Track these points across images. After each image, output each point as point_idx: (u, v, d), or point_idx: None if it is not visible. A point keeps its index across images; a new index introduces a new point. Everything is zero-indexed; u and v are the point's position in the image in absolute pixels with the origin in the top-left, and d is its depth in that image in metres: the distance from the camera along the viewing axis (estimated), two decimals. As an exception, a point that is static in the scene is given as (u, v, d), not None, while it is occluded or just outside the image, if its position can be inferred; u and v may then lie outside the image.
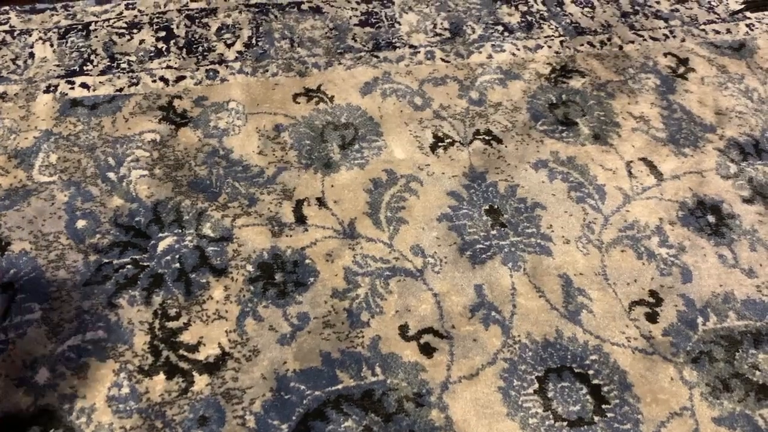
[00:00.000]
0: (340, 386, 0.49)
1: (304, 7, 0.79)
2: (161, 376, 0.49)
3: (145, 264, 0.55)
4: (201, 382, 0.49)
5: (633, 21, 0.83)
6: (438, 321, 0.54)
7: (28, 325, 0.51)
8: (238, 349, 0.51)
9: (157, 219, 0.58)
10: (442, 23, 0.79)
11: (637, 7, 0.84)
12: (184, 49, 0.73)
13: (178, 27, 0.76)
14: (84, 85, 0.69)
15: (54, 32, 0.74)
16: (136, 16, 0.76)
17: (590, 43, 0.79)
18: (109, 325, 0.52)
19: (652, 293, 0.57)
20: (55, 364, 0.49)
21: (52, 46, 0.73)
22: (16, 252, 0.56)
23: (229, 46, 0.74)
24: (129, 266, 0.55)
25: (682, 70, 0.77)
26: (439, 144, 0.66)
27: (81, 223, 0.58)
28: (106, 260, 0.55)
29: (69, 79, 0.69)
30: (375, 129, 0.67)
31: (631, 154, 0.67)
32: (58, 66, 0.71)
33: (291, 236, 0.58)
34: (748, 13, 0.85)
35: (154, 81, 0.70)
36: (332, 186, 0.61)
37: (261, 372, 0.50)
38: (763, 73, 0.77)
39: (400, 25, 0.79)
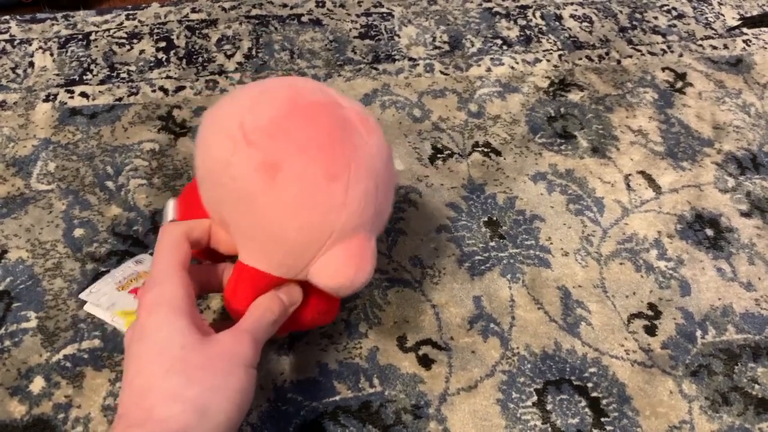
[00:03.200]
0: (337, 397, 0.49)
1: (305, 19, 0.80)
2: (157, 386, 0.49)
3: (142, 273, 0.55)
4: (197, 392, 0.49)
5: (631, 36, 0.83)
6: (436, 332, 0.54)
7: (23, 333, 0.51)
8: (235, 359, 0.50)
9: (155, 228, 0.58)
10: (441, 36, 0.80)
11: (635, 22, 0.85)
12: (184, 60, 0.74)
13: (178, 38, 0.76)
14: (83, 95, 0.69)
15: (54, 41, 0.74)
16: (136, 27, 0.77)
17: (588, 57, 0.79)
18: (106, 334, 0.51)
19: (651, 306, 0.57)
20: (51, 373, 0.49)
21: (52, 55, 0.73)
22: (13, 260, 0.55)
23: (229, 56, 0.74)
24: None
25: (679, 84, 0.77)
26: (438, 156, 0.66)
27: (78, 232, 0.58)
28: (104, 269, 0.55)
29: (68, 88, 0.69)
30: (374, 140, 0.67)
31: (630, 168, 0.67)
32: (57, 75, 0.71)
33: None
34: (745, 29, 0.86)
35: (154, 91, 0.70)
36: (331, 196, 0.61)
37: (258, 382, 0.49)
38: (760, 88, 0.78)
39: (399, 37, 0.79)
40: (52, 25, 0.76)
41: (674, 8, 0.88)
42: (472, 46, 0.79)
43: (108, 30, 0.76)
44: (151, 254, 0.56)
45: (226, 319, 0.44)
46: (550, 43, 0.81)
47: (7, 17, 0.77)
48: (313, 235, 0.39)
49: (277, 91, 0.41)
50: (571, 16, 0.85)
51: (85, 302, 0.52)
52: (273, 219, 0.38)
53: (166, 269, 0.39)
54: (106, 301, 0.51)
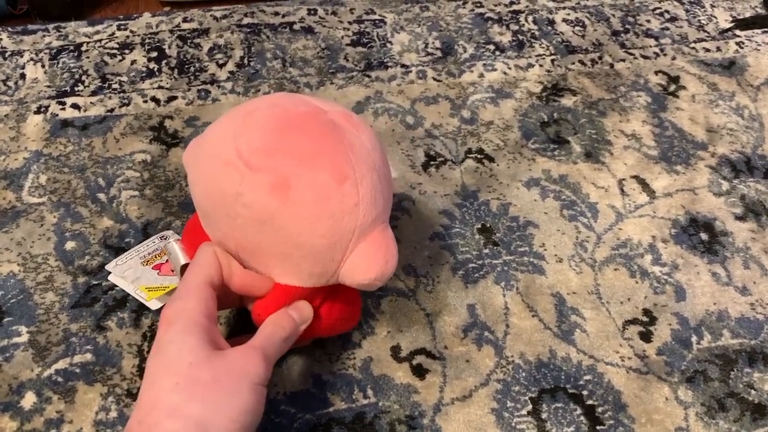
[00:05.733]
0: (331, 409, 0.49)
1: (296, 27, 0.80)
2: (150, 400, 0.48)
3: (134, 286, 0.55)
4: (190, 405, 0.48)
5: (624, 39, 0.83)
6: (431, 341, 0.53)
7: (15, 348, 0.51)
8: (227, 371, 0.50)
9: (147, 239, 0.58)
10: (433, 43, 0.80)
11: (627, 26, 0.85)
12: (176, 70, 0.73)
13: (169, 47, 0.76)
14: (75, 106, 0.69)
15: (45, 53, 0.74)
16: (128, 37, 0.77)
17: (581, 62, 0.79)
18: (98, 348, 0.51)
19: (646, 312, 0.56)
20: (42, 388, 0.49)
21: (43, 66, 0.73)
22: (4, 274, 0.55)
23: (221, 66, 0.74)
24: (118, 288, 0.54)
25: (673, 87, 0.77)
26: (431, 163, 0.66)
27: (70, 245, 0.57)
28: (95, 282, 0.55)
29: (60, 99, 0.69)
30: (367, 148, 0.67)
31: (623, 172, 0.67)
32: (49, 87, 0.70)
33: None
34: (737, 32, 0.86)
35: (146, 101, 0.70)
36: (324, 206, 0.61)
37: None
38: (753, 91, 0.77)
39: (392, 44, 0.79)
40: (44, 36, 0.76)
41: (667, 11, 0.88)
42: (465, 52, 0.79)
43: (99, 41, 0.76)
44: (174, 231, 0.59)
45: (240, 333, 0.44)
46: (543, 47, 0.81)
47: (-2, 29, 0.76)
48: (337, 239, 0.40)
49: (261, 111, 0.42)
50: (564, 20, 0.85)
51: (109, 272, 0.55)
52: (296, 234, 0.39)
53: (190, 285, 0.39)
54: (131, 274, 0.53)
